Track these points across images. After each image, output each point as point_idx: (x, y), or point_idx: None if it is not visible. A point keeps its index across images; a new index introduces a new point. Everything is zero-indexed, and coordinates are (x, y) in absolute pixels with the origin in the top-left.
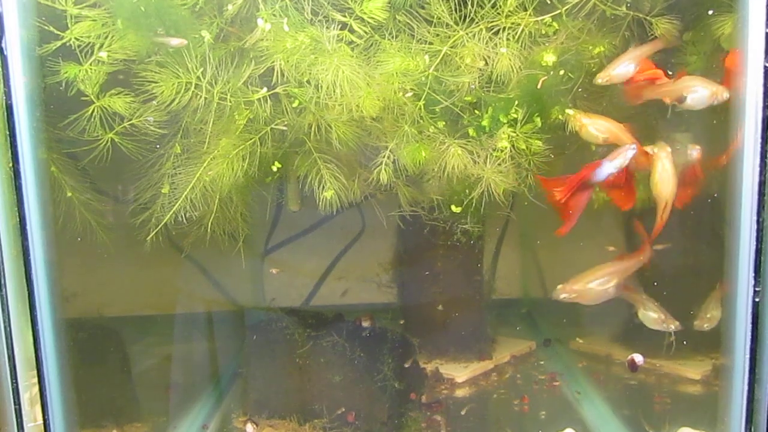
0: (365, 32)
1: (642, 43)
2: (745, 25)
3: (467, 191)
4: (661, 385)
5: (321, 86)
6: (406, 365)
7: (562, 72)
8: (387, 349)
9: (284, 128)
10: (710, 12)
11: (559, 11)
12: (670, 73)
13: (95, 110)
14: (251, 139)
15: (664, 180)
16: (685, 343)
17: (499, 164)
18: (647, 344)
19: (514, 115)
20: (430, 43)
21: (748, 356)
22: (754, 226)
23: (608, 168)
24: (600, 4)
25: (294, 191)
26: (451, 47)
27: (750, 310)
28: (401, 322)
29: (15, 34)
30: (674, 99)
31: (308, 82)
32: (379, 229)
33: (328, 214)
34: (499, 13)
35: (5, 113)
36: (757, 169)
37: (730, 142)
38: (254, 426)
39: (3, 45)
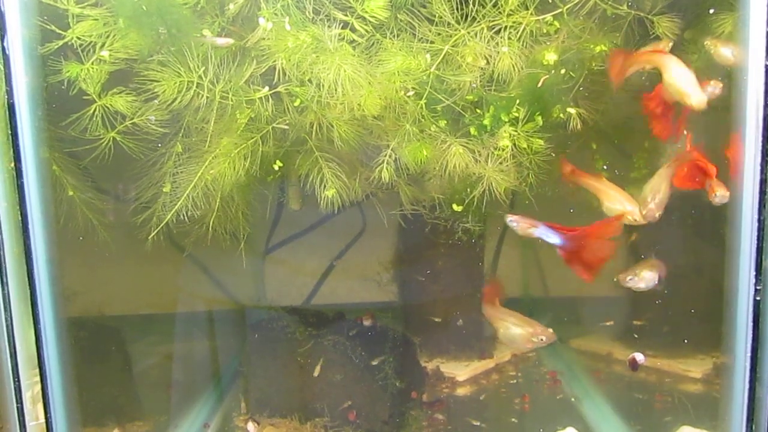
0: (367, 31)
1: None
2: (745, 24)
3: (468, 190)
4: (662, 383)
5: (322, 85)
6: (374, 363)
7: (563, 71)
8: (388, 347)
9: (286, 127)
10: (711, 11)
11: (560, 10)
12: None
13: (97, 109)
14: (253, 137)
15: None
16: (685, 341)
17: (501, 163)
18: (648, 342)
19: (516, 114)
20: (432, 42)
21: (749, 355)
22: (755, 225)
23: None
24: (601, 3)
25: (295, 190)
26: (453, 46)
27: (751, 309)
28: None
29: (17, 34)
30: None
31: (310, 80)
32: (381, 228)
33: (329, 213)
34: (500, 12)
35: (7, 112)
36: (758, 167)
37: None
38: (256, 425)
39: (5, 44)
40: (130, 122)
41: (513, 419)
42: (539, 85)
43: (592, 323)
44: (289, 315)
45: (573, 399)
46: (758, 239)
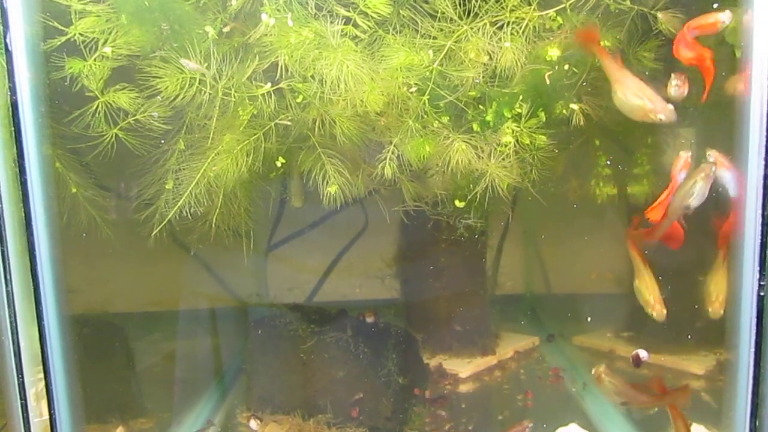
0: (369, 27)
1: None
2: (750, 19)
3: (471, 186)
4: (665, 380)
5: (325, 81)
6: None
7: (566, 66)
8: (391, 344)
9: (288, 123)
10: (715, 5)
11: (563, 5)
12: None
13: (99, 106)
14: (255, 134)
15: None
16: (689, 337)
17: (503, 159)
18: (651, 340)
19: (518, 110)
20: (434, 38)
21: (753, 351)
22: (759, 220)
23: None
24: None
25: (297, 187)
26: (455, 42)
27: (755, 305)
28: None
29: (20, 30)
30: None
31: (312, 77)
32: (383, 225)
33: (331, 209)
34: (503, 8)
35: (10, 109)
36: (762, 162)
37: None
38: (258, 422)
39: (7, 41)
40: (133, 119)
41: (516, 416)
42: (547, 82)
43: (595, 320)
44: (292, 312)
45: (583, 384)
46: (762, 235)
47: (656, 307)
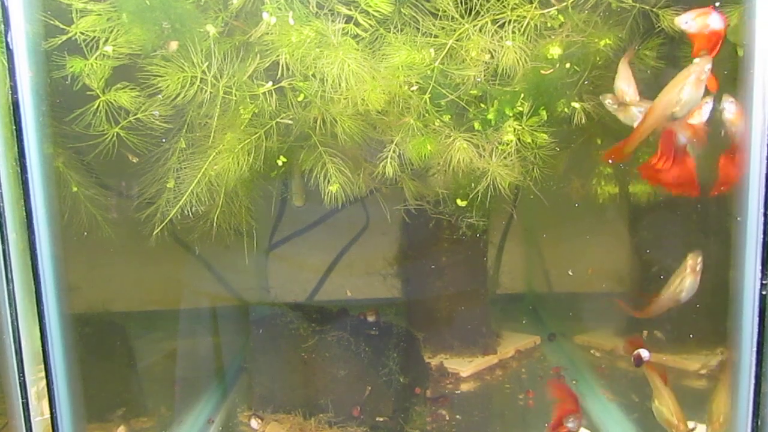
0: (370, 25)
1: None
2: (751, 17)
3: (473, 185)
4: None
5: (326, 80)
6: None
7: (568, 65)
8: (392, 343)
9: (289, 122)
10: (716, 4)
11: (564, 4)
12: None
13: (100, 105)
14: (256, 133)
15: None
16: (691, 336)
17: (505, 158)
18: (652, 339)
19: (520, 108)
20: (436, 36)
21: (754, 350)
22: (761, 219)
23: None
24: None
25: (299, 186)
26: (457, 40)
27: (757, 304)
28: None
29: (21, 29)
30: None
31: (313, 75)
32: (384, 224)
33: (332, 208)
34: (504, 6)
35: (11, 108)
36: (764, 161)
37: None
38: (259, 421)
39: (9, 40)
40: (134, 118)
41: (517, 415)
42: (546, 72)
43: (596, 319)
44: (293, 311)
45: (573, 381)
46: (764, 233)
47: (680, 427)
